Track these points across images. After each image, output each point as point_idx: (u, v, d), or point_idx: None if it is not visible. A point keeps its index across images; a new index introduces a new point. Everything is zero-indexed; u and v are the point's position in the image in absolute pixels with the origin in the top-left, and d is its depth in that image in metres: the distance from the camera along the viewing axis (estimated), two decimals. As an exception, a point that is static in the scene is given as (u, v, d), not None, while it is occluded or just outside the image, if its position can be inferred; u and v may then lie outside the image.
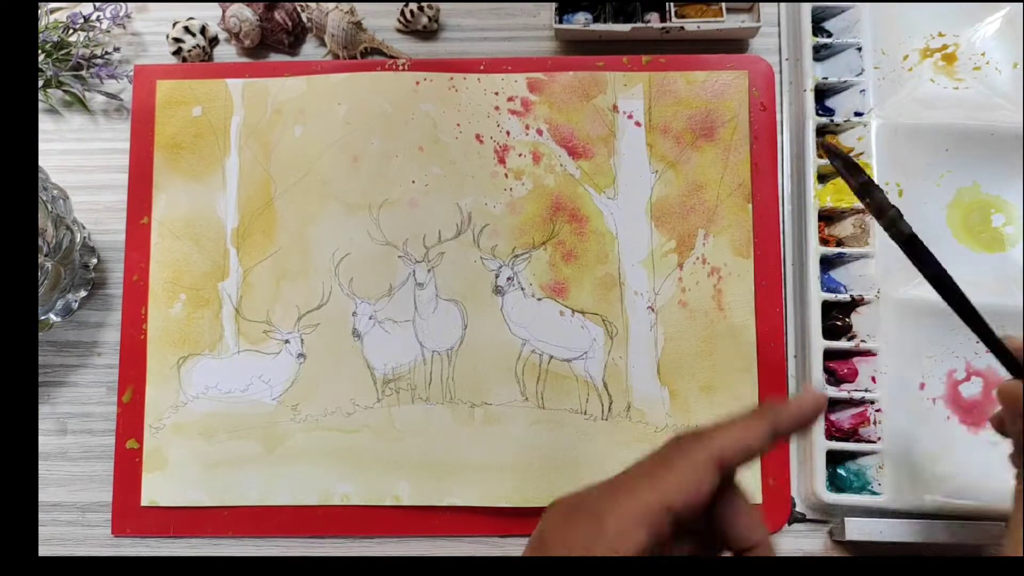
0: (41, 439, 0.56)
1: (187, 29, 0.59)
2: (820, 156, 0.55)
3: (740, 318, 0.55)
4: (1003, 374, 0.53)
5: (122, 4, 0.60)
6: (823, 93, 0.57)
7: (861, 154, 0.54)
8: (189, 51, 0.59)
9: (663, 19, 0.58)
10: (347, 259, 0.56)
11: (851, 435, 0.52)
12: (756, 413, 0.33)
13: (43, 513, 0.55)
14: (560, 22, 0.57)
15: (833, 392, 0.52)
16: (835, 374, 0.53)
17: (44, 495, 0.55)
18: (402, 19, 0.59)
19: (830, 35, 0.58)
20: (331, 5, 0.58)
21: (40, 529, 0.54)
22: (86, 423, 0.56)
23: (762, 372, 0.54)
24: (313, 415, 0.54)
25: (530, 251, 0.56)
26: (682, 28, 0.57)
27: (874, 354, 0.52)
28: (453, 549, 0.54)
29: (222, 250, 0.56)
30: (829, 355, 0.53)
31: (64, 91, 0.59)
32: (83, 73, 0.59)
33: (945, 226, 0.55)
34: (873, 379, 0.52)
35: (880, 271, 0.53)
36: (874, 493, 0.51)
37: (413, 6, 0.59)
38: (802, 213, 0.55)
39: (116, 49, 0.60)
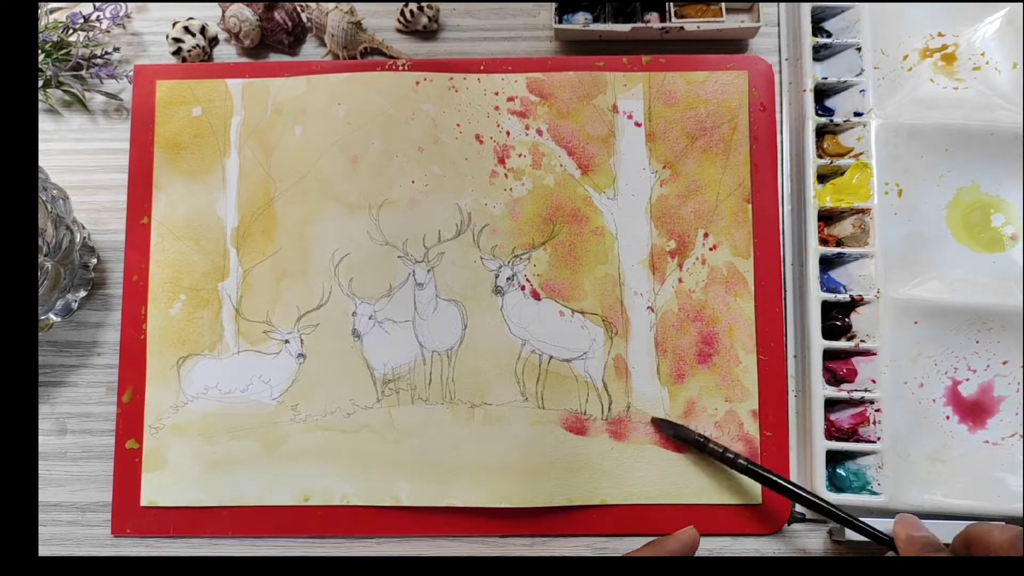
0: (41, 439, 0.56)
1: (187, 29, 0.59)
2: (820, 156, 0.55)
3: (740, 318, 0.55)
4: (1001, 374, 0.53)
5: (122, 4, 0.60)
6: (823, 93, 0.57)
7: (861, 154, 0.54)
8: (189, 51, 0.59)
9: (663, 19, 0.58)
10: (347, 259, 0.56)
11: (851, 435, 0.52)
12: (645, 547, 0.47)
13: (43, 513, 0.55)
14: (560, 22, 0.58)
15: (833, 392, 0.52)
16: (835, 374, 0.53)
17: (44, 495, 0.55)
18: (402, 19, 0.59)
19: (830, 35, 0.58)
20: (331, 5, 0.59)
21: (40, 529, 0.54)
22: (86, 423, 0.56)
23: (762, 372, 0.54)
24: (313, 415, 0.54)
25: (530, 251, 0.56)
26: (682, 28, 0.57)
27: (874, 354, 0.52)
28: (453, 549, 0.54)
29: (222, 250, 0.56)
30: (829, 355, 0.53)
31: (64, 91, 0.59)
32: (83, 73, 0.59)
33: (945, 226, 0.55)
34: (873, 379, 0.52)
35: (880, 271, 0.53)
36: (874, 493, 0.51)
37: (413, 6, 0.59)
38: (802, 213, 0.55)
39: (116, 49, 0.60)
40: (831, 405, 0.53)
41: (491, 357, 0.55)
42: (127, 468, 0.54)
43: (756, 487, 0.53)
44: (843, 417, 0.53)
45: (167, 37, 0.59)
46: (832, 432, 0.52)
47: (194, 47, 0.59)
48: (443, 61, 0.58)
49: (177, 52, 0.59)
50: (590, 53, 0.59)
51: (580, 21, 0.58)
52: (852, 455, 0.52)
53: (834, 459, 0.52)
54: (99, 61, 0.60)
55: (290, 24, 0.59)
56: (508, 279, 0.55)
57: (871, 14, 0.56)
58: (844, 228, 0.55)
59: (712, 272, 0.55)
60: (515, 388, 0.54)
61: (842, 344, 0.53)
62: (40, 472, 0.55)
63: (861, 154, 0.54)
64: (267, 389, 0.55)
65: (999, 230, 0.55)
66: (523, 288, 0.55)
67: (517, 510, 0.53)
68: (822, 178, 0.55)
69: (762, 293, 0.55)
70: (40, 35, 0.58)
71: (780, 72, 0.59)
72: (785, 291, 0.56)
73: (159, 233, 0.57)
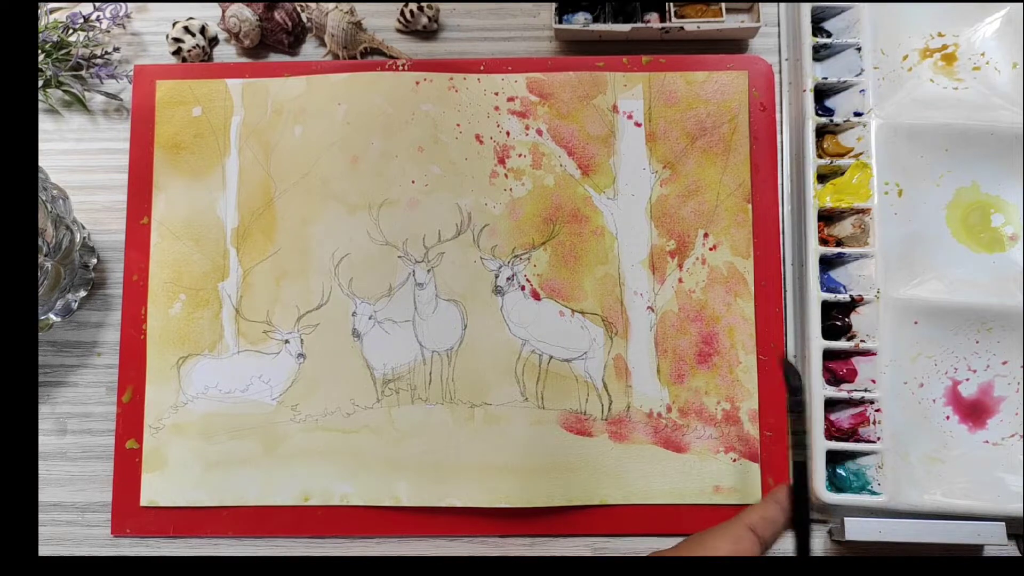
0: (41, 439, 0.56)
1: (187, 29, 0.59)
2: (820, 156, 0.55)
3: (740, 318, 0.55)
4: (1001, 374, 0.53)
5: (122, 4, 0.60)
6: (823, 93, 0.57)
7: (861, 154, 0.54)
8: (189, 51, 0.59)
9: (663, 19, 0.58)
10: (347, 259, 0.56)
11: (851, 435, 0.52)
12: (770, 496, 0.44)
13: (43, 513, 0.55)
14: (560, 22, 0.58)
15: (833, 392, 0.52)
16: (835, 374, 0.53)
17: (44, 495, 0.55)
18: (402, 19, 0.59)
19: (830, 35, 0.58)
20: (331, 5, 0.59)
21: (40, 529, 0.54)
22: (86, 423, 0.56)
23: (762, 372, 0.54)
24: (313, 415, 0.54)
25: (530, 251, 0.56)
26: (682, 28, 0.57)
27: (874, 354, 0.52)
28: (453, 549, 0.54)
29: (222, 250, 0.56)
30: (829, 355, 0.53)
31: (64, 91, 0.59)
32: (83, 73, 0.59)
33: (945, 226, 0.55)
34: (873, 379, 0.52)
35: (880, 271, 0.53)
36: (874, 493, 0.51)
37: (413, 6, 0.59)
38: (802, 213, 0.55)
39: (116, 49, 0.60)
40: (831, 405, 0.53)
41: (491, 357, 0.55)
42: (127, 468, 0.54)
43: (756, 487, 0.53)
44: (843, 417, 0.53)
45: (167, 37, 0.59)
46: (832, 432, 0.52)
47: (194, 47, 0.59)
48: (443, 61, 0.58)
49: (177, 52, 0.59)
50: (590, 53, 0.59)
51: (580, 21, 0.58)
52: (852, 455, 0.52)
53: (834, 459, 0.52)
54: (99, 61, 0.60)
55: (290, 24, 0.59)
56: (508, 279, 0.55)
57: (871, 14, 0.56)
58: (844, 228, 0.55)
59: (712, 272, 0.55)
60: (515, 388, 0.54)
61: (842, 344, 0.53)
62: (40, 472, 0.55)
63: (861, 154, 0.54)
64: (267, 389, 0.55)
65: (999, 230, 0.55)
66: (523, 288, 0.55)
67: (517, 510, 0.53)
68: (822, 178, 0.55)
69: (762, 293, 0.55)
70: (40, 35, 0.58)
71: (780, 72, 0.59)
72: (785, 291, 0.56)
73: (159, 233, 0.57)
